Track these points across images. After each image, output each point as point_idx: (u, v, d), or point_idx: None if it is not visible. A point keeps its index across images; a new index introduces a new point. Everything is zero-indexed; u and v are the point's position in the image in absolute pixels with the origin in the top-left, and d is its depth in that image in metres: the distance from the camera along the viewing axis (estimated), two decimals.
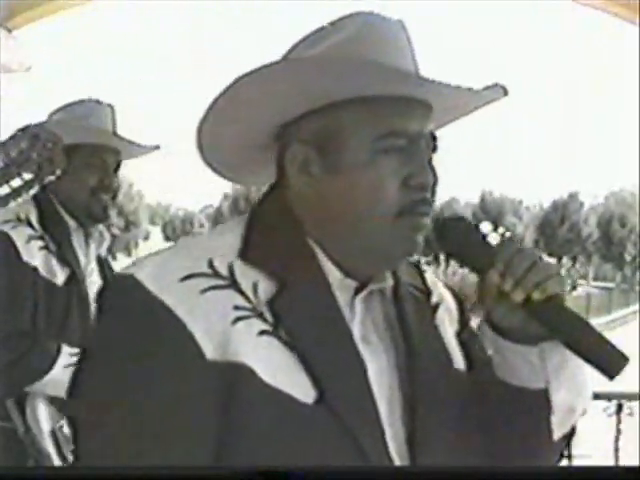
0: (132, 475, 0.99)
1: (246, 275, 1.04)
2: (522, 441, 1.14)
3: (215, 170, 1.18)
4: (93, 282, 2.49)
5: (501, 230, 1.14)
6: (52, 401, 2.32)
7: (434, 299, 1.21)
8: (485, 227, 1.15)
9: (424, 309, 1.19)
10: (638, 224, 54.58)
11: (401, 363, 1.11)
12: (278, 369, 1.00)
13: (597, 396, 3.40)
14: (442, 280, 1.31)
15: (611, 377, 1.03)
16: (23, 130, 1.87)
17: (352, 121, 1.06)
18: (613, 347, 1.04)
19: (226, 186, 60.10)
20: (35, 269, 2.32)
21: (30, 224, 2.37)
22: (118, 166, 2.51)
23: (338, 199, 1.07)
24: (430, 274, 1.26)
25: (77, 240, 2.48)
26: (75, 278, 2.41)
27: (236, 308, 1.01)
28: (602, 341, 1.04)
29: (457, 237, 1.12)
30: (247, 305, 1.02)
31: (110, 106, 2.53)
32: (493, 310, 1.10)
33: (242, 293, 1.03)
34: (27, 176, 1.87)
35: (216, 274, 1.03)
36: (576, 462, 3.14)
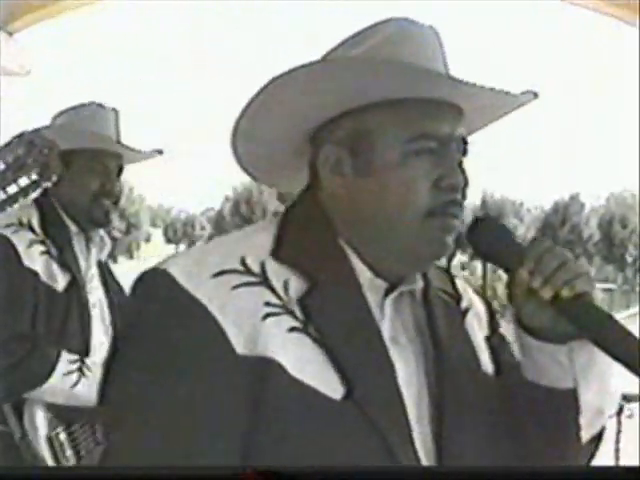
0: (132, 475, 0.99)
1: (278, 273, 1.05)
2: (550, 443, 1.14)
3: (248, 173, 1.19)
4: (93, 288, 2.48)
5: None
6: (49, 408, 2.31)
7: (464, 304, 1.22)
8: None
9: (454, 313, 1.19)
10: (639, 225, 54.52)
11: (430, 365, 1.12)
12: (307, 365, 1.01)
13: None
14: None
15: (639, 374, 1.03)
16: (19, 137, 1.87)
17: (384, 123, 1.08)
18: None
19: (227, 189, 60.13)
20: (36, 274, 2.31)
21: (32, 228, 2.35)
22: (120, 171, 2.49)
23: (369, 200, 1.08)
24: (460, 280, 1.26)
25: (78, 245, 2.46)
26: (76, 284, 2.39)
27: (267, 304, 1.02)
28: (631, 338, 1.04)
29: (488, 237, 1.12)
30: (278, 302, 1.03)
31: (114, 110, 2.52)
32: (522, 308, 1.10)
33: (273, 290, 1.04)
34: (23, 182, 1.87)
35: (248, 271, 1.04)
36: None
